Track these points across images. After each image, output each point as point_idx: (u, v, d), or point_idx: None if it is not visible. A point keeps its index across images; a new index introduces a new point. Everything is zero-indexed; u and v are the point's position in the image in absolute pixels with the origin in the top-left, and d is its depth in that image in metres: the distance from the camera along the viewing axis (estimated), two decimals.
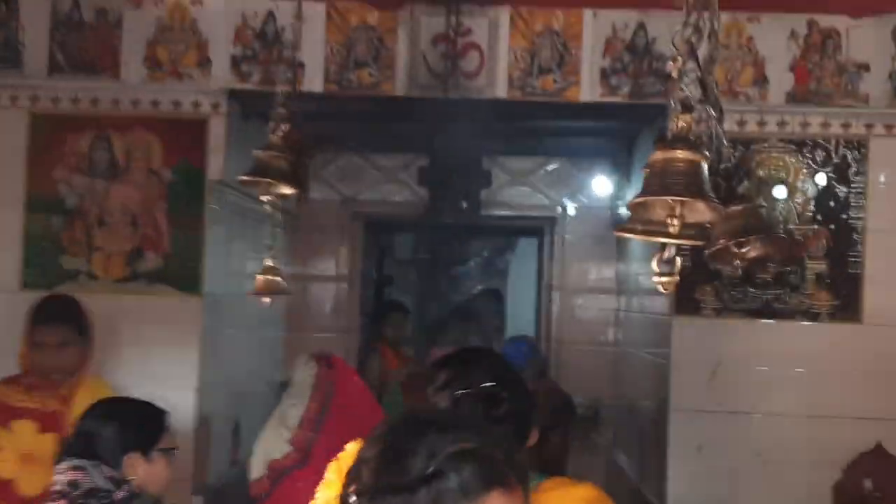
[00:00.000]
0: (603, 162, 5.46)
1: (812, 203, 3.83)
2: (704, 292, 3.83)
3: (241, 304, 4.55)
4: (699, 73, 1.65)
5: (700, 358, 3.81)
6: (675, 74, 1.54)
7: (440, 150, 5.34)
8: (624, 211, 5.13)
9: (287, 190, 2.38)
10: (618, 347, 5.42)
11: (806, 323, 3.80)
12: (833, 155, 3.86)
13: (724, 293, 3.83)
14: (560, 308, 5.60)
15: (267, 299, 2.44)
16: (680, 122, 1.52)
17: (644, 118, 4.20)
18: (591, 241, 5.57)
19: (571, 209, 5.62)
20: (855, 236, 3.81)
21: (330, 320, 5.64)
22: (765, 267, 3.79)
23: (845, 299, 3.79)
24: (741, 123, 3.86)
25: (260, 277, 2.45)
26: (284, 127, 2.34)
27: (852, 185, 3.85)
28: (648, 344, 4.46)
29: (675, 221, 1.54)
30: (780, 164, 3.85)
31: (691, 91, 1.54)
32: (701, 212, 1.56)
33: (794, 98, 3.85)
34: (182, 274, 3.94)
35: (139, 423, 2.55)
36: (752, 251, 1.80)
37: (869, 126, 3.86)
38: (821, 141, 3.86)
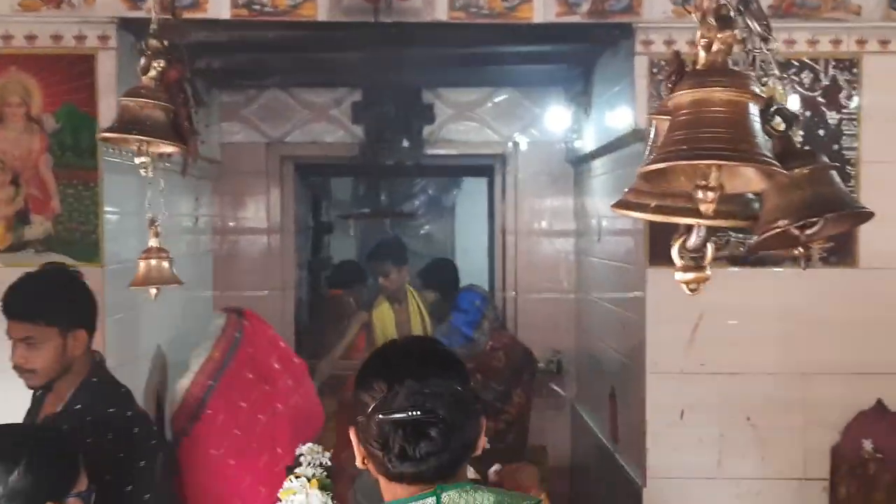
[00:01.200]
0: (556, 91, 4.93)
1: (800, 132, 3.35)
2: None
3: None
4: None
5: (679, 313, 3.37)
6: None
7: (374, 83, 4.78)
8: (582, 145, 4.62)
9: (167, 148, 1.81)
10: (580, 294, 4.97)
11: (796, 269, 3.35)
12: (822, 76, 3.38)
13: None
14: (515, 253, 5.11)
15: (153, 290, 1.88)
16: (716, 44, 1.00)
17: (606, 40, 3.67)
18: (546, 178, 5.08)
19: (523, 144, 5.09)
20: (848, 169, 3.36)
21: (263, 276, 5.09)
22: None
23: (839, 241, 3.34)
24: None
25: (141, 263, 1.89)
26: (159, 64, 1.76)
27: (844, 111, 3.38)
28: (616, 293, 4.00)
29: (710, 195, 1.03)
30: (762, 88, 3.35)
31: None
32: (748, 180, 1.05)
33: (777, 12, 3.33)
34: (77, 240, 3.35)
35: (49, 464, 1.92)
36: (823, 231, 1.30)
37: (861, 42, 3.38)
38: (808, 61, 3.37)
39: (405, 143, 4.97)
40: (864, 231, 3.34)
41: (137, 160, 1.78)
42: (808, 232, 1.30)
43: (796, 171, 1.26)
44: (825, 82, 3.38)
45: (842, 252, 3.36)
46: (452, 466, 1.55)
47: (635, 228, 3.56)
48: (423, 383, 1.52)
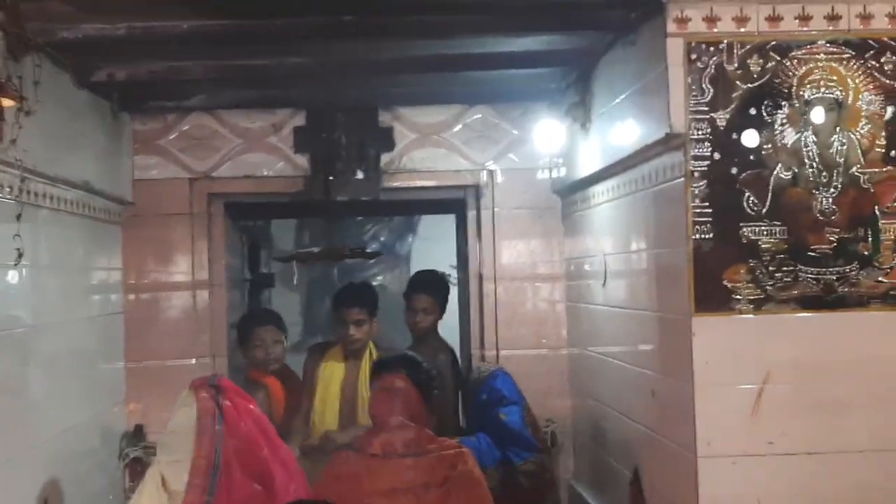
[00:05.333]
0: (540, 108, 4.13)
1: (883, 133, 2.59)
2: (736, 275, 2.56)
3: (49, 332, 3.09)
4: None
5: (737, 374, 2.55)
6: None
7: (321, 102, 3.96)
8: (573, 171, 3.82)
9: None
10: (573, 349, 4.13)
11: (885, 312, 2.57)
12: None
13: (764, 276, 2.56)
14: (495, 302, 4.27)
15: None
16: None
17: (620, 24, 2.88)
18: (529, 213, 4.28)
19: (500, 173, 4.27)
20: None
21: (188, 342, 4.16)
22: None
23: None
24: (774, 19, 2.59)
25: None
26: None
27: None
28: (636, 348, 3.18)
29: None
30: (833, 78, 2.59)
31: None
32: None
33: None
34: None
35: None
36: None
37: None
38: (890, 41, 2.62)
39: (359, 175, 4.14)
40: None
41: None
42: None
43: None
44: None
45: None
46: None
47: (671, 265, 2.74)
48: None
